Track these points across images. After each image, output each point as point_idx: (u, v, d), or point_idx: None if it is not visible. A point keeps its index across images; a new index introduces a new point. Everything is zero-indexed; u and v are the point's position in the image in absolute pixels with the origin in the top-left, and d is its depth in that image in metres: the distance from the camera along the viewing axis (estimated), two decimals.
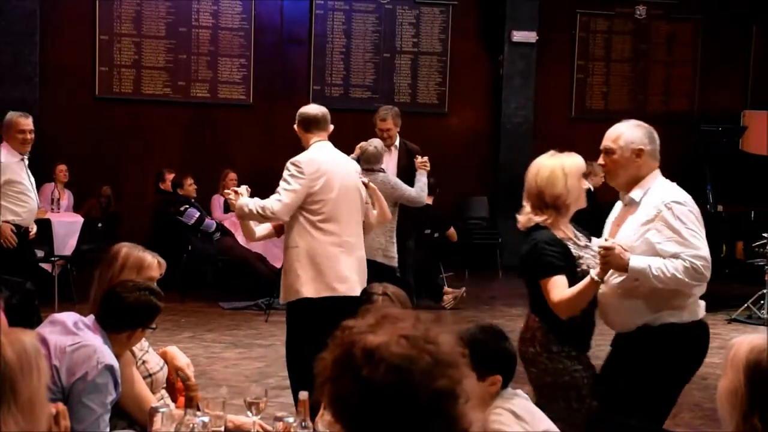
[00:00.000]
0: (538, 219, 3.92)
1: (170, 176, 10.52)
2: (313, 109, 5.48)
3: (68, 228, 9.43)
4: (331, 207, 5.20)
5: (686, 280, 3.64)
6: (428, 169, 7.46)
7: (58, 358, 3.18)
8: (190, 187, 10.19)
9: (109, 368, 3.20)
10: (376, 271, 5.72)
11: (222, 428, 3.07)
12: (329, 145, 5.39)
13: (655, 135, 3.93)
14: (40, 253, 8.49)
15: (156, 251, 3.79)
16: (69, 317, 3.35)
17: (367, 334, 1.78)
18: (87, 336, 3.27)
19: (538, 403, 3.44)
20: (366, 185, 5.44)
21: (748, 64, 13.64)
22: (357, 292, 5.03)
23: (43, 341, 3.14)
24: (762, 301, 9.20)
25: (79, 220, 9.73)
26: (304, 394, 3.15)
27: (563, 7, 13.08)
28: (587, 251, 3.90)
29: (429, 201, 9.74)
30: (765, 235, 8.97)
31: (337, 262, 5.20)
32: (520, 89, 12.78)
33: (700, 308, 3.87)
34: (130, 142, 11.84)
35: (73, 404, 3.10)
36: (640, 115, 14.03)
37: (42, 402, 2.21)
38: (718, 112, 12.82)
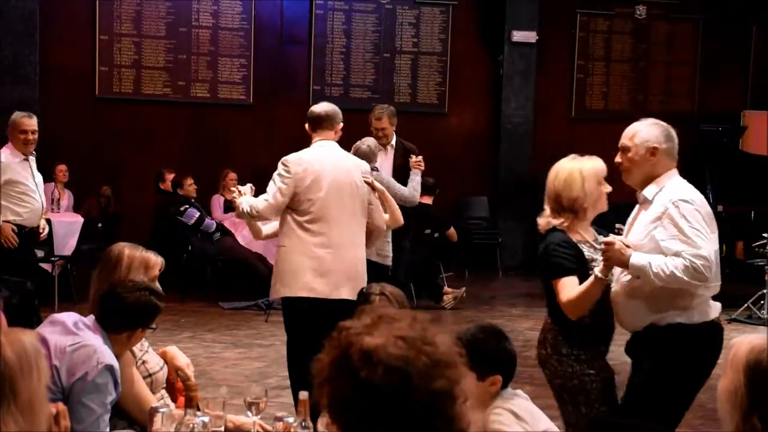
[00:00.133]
0: (556, 222, 3.93)
1: (170, 176, 10.52)
2: (319, 107, 5.42)
3: (68, 228, 9.43)
4: (318, 207, 5.13)
5: (685, 278, 3.63)
6: (422, 168, 7.44)
7: (58, 358, 3.18)
8: (190, 187, 10.19)
9: (109, 368, 3.20)
10: (368, 269, 5.69)
11: (222, 428, 3.06)
12: (330, 144, 5.30)
13: (673, 134, 3.91)
14: (39, 253, 8.48)
15: (156, 251, 3.80)
16: (69, 317, 3.35)
17: (364, 335, 1.78)
18: (87, 336, 3.27)
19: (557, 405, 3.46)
20: (373, 187, 5.32)
21: (748, 64, 13.64)
22: (346, 295, 5.03)
23: (43, 341, 3.14)
24: (762, 301, 9.20)
25: (79, 220, 9.74)
26: (304, 394, 3.15)
27: (563, 7, 13.08)
28: None
29: (429, 201, 9.76)
30: (765, 235, 8.96)
31: (321, 263, 5.12)
32: (520, 89, 12.78)
33: (713, 309, 3.83)
34: (130, 142, 11.84)
35: (73, 404, 3.10)
36: (640, 115, 14.00)
37: (42, 402, 2.21)
38: (718, 112, 12.82)
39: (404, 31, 12.68)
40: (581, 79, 13.35)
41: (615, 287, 3.85)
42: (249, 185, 5.35)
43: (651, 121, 3.96)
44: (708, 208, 3.80)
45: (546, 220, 3.98)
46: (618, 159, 3.97)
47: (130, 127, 11.85)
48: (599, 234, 3.99)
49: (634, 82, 13.47)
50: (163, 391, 3.70)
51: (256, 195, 5.31)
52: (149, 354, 3.70)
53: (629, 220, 4.04)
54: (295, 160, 5.23)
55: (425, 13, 12.73)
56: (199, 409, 3.28)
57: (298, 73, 12.40)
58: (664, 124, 3.95)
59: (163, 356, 3.80)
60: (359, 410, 1.75)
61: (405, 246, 8.13)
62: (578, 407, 3.88)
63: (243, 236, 10.29)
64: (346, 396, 1.76)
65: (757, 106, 13.24)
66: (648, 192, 3.86)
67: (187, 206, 10.01)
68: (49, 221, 8.91)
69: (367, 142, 7.03)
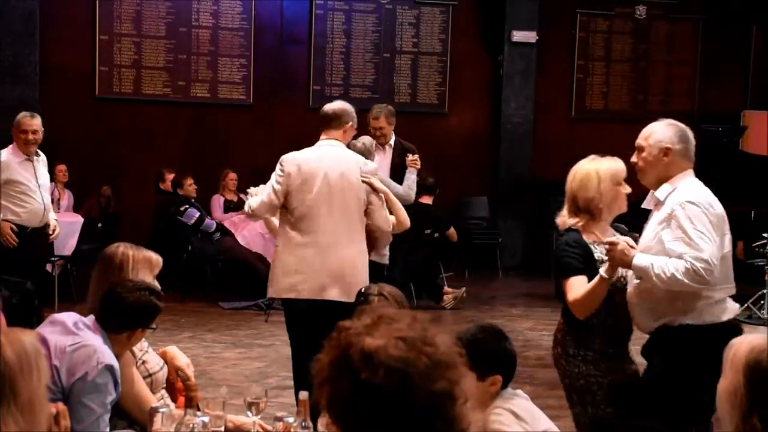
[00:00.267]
0: (571, 222, 3.96)
1: (170, 176, 10.52)
2: (329, 106, 5.37)
3: (68, 228, 9.41)
4: (308, 207, 5.09)
5: (685, 281, 3.62)
6: (418, 167, 7.42)
7: (58, 358, 3.18)
8: (190, 187, 10.19)
9: (109, 368, 3.20)
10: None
11: (222, 428, 3.07)
12: (333, 143, 5.24)
13: (689, 135, 3.90)
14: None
15: (156, 251, 3.80)
16: (69, 317, 3.35)
17: (365, 336, 1.77)
18: (87, 336, 3.27)
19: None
20: (373, 187, 5.19)
21: (748, 64, 13.63)
22: (334, 296, 5.01)
23: (43, 341, 3.14)
24: (762, 301, 9.20)
25: (79, 220, 9.73)
26: (304, 394, 3.15)
27: (563, 7, 13.07)
28: None
29: (429, 201, 9.76)
30: (765, 235, 8.96)
31: (305, 263, 5.07)
32: (520, 89, 12.78)
33: (726, 310, 3.79)
34: (130, 142, 11.84)
35: (73, 404, 3.10)
36: (640, 115, 14.03)
37: (42, 402, 2.21)
38: (718, 112, 12.81)
39: (404, 31, 12.68)
40: (581, 79, 13.35)
41: (629, 288, 3.86)
42: (262, 186, 5.33)
43: (667, 121, 3.95)
44: (719, 211, 3.77)
45: (563, 219, 4.01)
46: (633, 159, 3.98)
47: (130, 127, 11.85)
48: (622, 234, 4.00)
49: (634, 82, 13.47)
50: (163, 391, 3.70)
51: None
52: (149, 354, 3.70)
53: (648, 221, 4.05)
54: (290, 159, 5.22)
55: (425, 13, 12.73)
56: (199, 409, 3.28)
57: (298, 73, 12.40)
58: (681, 125, 3.93)
59: (163, 356, 3.80)
60: (359, 411, 1.75)
61: (403, 246, 8.11)
62: (585, 407, 3.90)
63: (243, 236, 10.30)
64: (346, 397, 1.76)
65: (757, 106, 13.23)
66: (660, 193, 3.85)
67: (187, 206, 10.01)
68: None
69: (363, 140, 7.00)
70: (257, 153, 11.81)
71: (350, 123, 5.29)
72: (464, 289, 9.98)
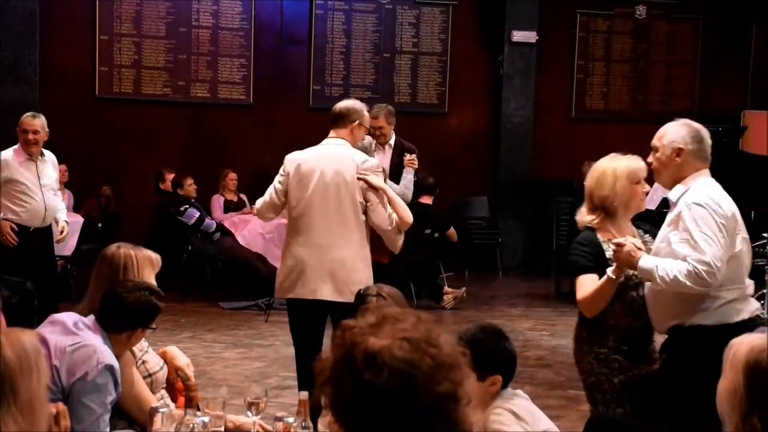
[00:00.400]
0: (587, 219, 3.98)
1: (170, 176, 10.52)
2: (339, 104, 5.32)
3: (68, 228, 9.41)
4: (303, 206, 5.07)
5: (687, 283, 3.61)
6: (415, 166, 7.40)
7: (58, 358, 3.18)
8: (190, 187, 10.19)
9: (109, 368, 3.20)
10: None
11: (222, 428, 3.07)
12: (336, 141, 5.19)
13: (703, 135, 3.88)
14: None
15: (156, 251, 3.80)
16: (69, 317, 3.35)
17: (368, 335, 1.77)
18: (87, 336, 3.27)
19: None
20: (370, 184, 5.10)
21: (748, 64, 13.63)
22: (327, 296, 4.98)
23: (43, 341, 3.14)
24: (762, 301, 9.19)
25: (79, 220, 9.72)
26: (304, 394, 3.15)
27: (563, 7, 13.08)
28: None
29: (429, 201, 9.76)
30: (765, 235, 8.96)
31: (300, 263, 5.06)
32: (520, 89, 12.78)
33: (739, 311, 3.75)
34: (130, 142, 11.84)
35: (73, 404, 3.10)
36: (640, 115, 14.00)
37: (42, 402, 2.21)
38: (718, 112, 12.81)
39: (404, 31, 12.69)
40: (581, 79, 13.35)
41: (645, 289, 3.87)
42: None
43: (682, 121, 3.93)
44: (728, 211, 3.73)
45: (581, 217, 4.04)
46: (649, 159, 3.98)
47: (130, 127, 11.86)
48: (645, 233, 4.01)
49: (634, 82, 13.47)
50: (163, 391, 3.71)
51: (256, 196, 5.31)
52: (149, 354, 3.70)
53: None
54: (291, 158, 5.21)
55: (425, 13, 12.73)
56: (199, 409, 3.28)
57: (298, 73, 12.40)
58: (696, 125, 3.91)
59: (163, 356, 3.80)
60: (362, 411, 1.75)
61: (402, 246, 8.07)
62: (596, 406, 3.93)
63: (243, 236, 10.30)
64: (348, 396, 1.76)
65: (757, 106, 13.23)
66: (673, 194, 3.85)
67: (187, 206, 10.01)
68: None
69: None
70: (257, 153, 11.82)
71: (357, 121, 5.22)
72: (464, 289, 9.98)
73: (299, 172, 5.10)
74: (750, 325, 3.76)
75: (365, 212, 5.09)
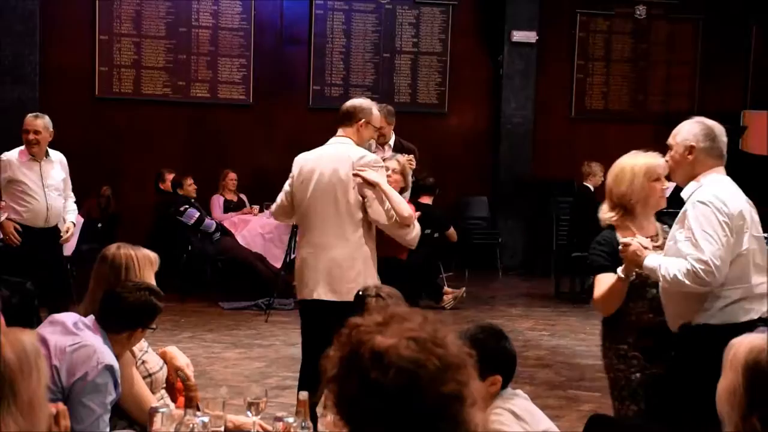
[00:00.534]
0: (607, 217, 4.03)
1: (170, 176, 10.52)
2: (346, 102, 5.29)
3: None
4: (305, 207, 5.07)
5: (686, 282, 3.61)
6: (413, 167, 7.40)
7: (58, 359, 3.18)
8: (190, 187, 10.19)
9: (109, 368, 3.20)
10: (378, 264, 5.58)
11: (222, 428, 3.07)
12: (341, 140, 5.15)
13: (716, 132, 3.86)
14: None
15: (156, 251, 3.80)
16: (69, 317, 3.35)
17: (375, 334, 1.77)
18: (87, 336, 3.27)
19: None
20: (370, 182, 5.01)
21: (748, 64, 13.63)
22: (323, 295, 4.96)
23: (43, 341, 3.14)
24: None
25: (79, 220, 9.68)
26: (303, 395, 3.16)
27: (563, 7, 13.08)
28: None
29: (429, 201, 9.75)
30: (765, 235, 8.97)
31: (305, 264, 5.07)
32: (520, 89, 12.78)
33: (747, 311, 3.72)
34: (129, 142, 11.84)
35: (73, 404, 3.10)
36: (640, 115, 13.98)
37: (42, 402, 2.21)
38: (717, 112, 12.76)
39: (404, 31, 12.69)
40: (581, 79, 13.35)
41: (660, 287, 3.89)
42: None
43: (696, 119, 3.93)
44: (734, 210, 3.70)
45: (602, 214, 4.09)
46: (666, 157, 3.99)
47: (129, 128, 11.85)
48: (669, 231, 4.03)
49: (634, 82, 13.47)
50: (163, 391, 3.71)
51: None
52: (149, 354, 3.70)
53: None
54: (297, 159, 5.22)
55: (425, 13, 12.73)
56: (198, 409, 3.28)
57: (297, 74, 12.40)
58: (710, 122, 3.90)
59: (163, 356, 3.80)
60: (367, 409, 1.75)
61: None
62: (614, 401, 3.98)
63: (243, 236, 10.30)
64: (354, 395, 1.76)
65: (757, 106, 13.23)
66: (685, 192, 3.86)
67: (187, 206, 10.01)
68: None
69: None
70: (257, 153, 11.83)
71: (363, 120, 5.17)
72: (464, 289, 9.98)
73: (302, 173, 5.11)
74: (759, 325, 3.72)
75: (365, 209, 5.07)
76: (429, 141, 11.01)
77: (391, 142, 7.66)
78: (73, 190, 11.02)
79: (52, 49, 11.40)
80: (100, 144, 11.67)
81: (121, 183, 11.58)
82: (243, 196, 11.16)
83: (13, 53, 11.06)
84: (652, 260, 3.72)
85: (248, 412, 3.25)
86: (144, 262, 3.67)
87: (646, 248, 3.74)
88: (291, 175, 5.18)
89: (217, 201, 11.00)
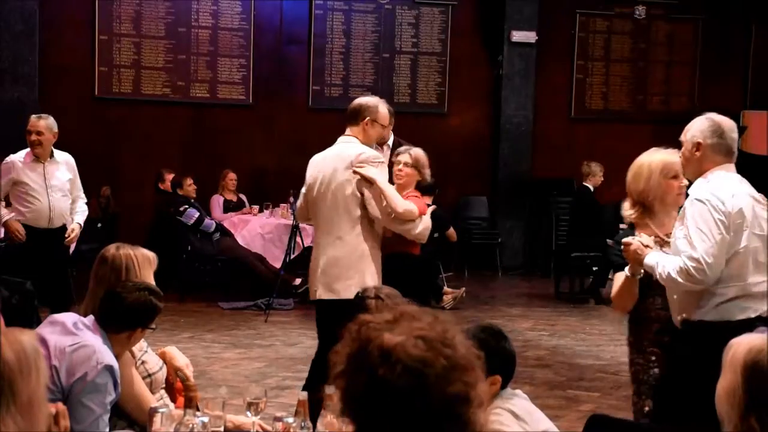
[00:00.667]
0: (627, 214, 4.07)
1: (169, 176, 10.51)
2: (354, 101, 5.29)
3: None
4: (312, 208, 5.12)
5: (679, 280, 3.63)
6: None
7: (58, 359, 3.18)
8: (189, 187, 10.18)
9: (109, 368, 3.20)
10: (390, 261, 5.54)
11: (221, 428, 3.06)
12: (347, 139, 5.15)
13: (725, 128, 3.84)
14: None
15: (155, 251, 3.81)
16: (69, 317, 3.35)
17: (384, 331, 1.78)
18: (86, 336, 3.27)
19: None
20: (366, 178, 5.00)
21: (748, 64, 13.64)
22: (322, 295, 5.01)
23: (43, 341, 3.14)
24: None
25: None
26: (303, 395, 3.16)
27: (563, 7, 13.07)
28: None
29: (428, 201, 9.74)
30: None
31: (311, 265, 5.13)
32: (519, 89, 12.78)
33: (744, 309, 3.70)
34: (129, 142, 11.83)
35: (73, 404, 3.10)
36: (640, 115, 13.97)
37: (41, 402, 2.21)
38: (717, 112, 12.79)
39: (404, 32, 12.68)
40: (581, 79, 13.35)
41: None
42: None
43: (706, 116, 3.92)
44: (732, 208, 3.68)
45: (623, 211, 4.12)
46: (678, 154, 4.00)
47: (129, 128, 11.85)
48: None
49: (634, 82, 13.47)
50: (163, 392, 3.71)
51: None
52: (148, 354, 3.70)
53: None
54: (310, 161, 5.26)
55: (425, 13, 12.73)
56: (198, 410, 3.28)
57: (297, 74, 12.40)
58: (719, 119, 3.88)
59: (162, 357, 3.80)
60: (373, 406, 1.75)
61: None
62: (633, 396, 4.02)
63: (242, 236, 10.30)
64: (361, 391, 1.76)
65: (757, 106, 13.23)
66: (691, 189, 3.86)
67: (187, 206, 10.01)
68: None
69: None
70: (257, 153, 11.83)
71: (368, 118, 5.15)
72: (464, 289, 9.98)
73: (311, 174, 5.18)
74: (757, 324, 3.69)
75: (365, 206, 5.06)
76: (429, 141, 10.93)
77: (390, 142, 7.64)
78: None
79: (52, 49, 11.39)
80: (99, 144, 11.66)
81: (121, 183, 11.58)
82: (243, 196, 11.16)
83: (12, 53, 11.06)
84: (651, 258, 3.75)
85: (248, 413, 3.25)
86: (143, 262, 3.67)
87: (647, 246, 3.76)
88: (306, 176, 5.24)
89: (217, 201, 11.00)
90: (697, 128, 3.85)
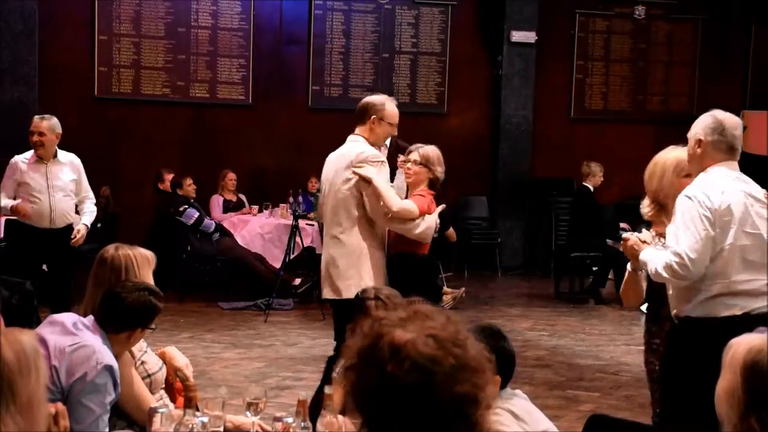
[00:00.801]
0: (644, 211, 4.10)
1: (169, 176, 10.51)
2: (362, 100, 5.32)
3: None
4: (321, 206, 5.23)
5: (664, 275, 3.67)
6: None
7: (58, 359, 3.18)
8: (189, 187, 10.18)
9: (109, 369, 3.20)
10: (396, 261, 5.56)
11: (221, 428, 3.06)
12: (352, 138, 5.18)
13: (726, 125, 3.84)
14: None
15: (155, 251, 3.82)
16: (68, 317, 3.35)
17: (396, 328, 1.79)
18: (86, 336, 3.27)
19: None
20: (364, 178, 5.02)
21: (748, 64, 13.63)
22: (326, 294, 5.12)
23: (43, 342, 3.14)
24: None
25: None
26: (303, 395, 3.16)
27: (562, 7, 13.07)
28: None
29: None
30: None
31: (321, 262, 5.25)
32: (519, 89, 12.78)
33: (726, 306, 3.70)
34: (129, 142, 11.83)
35: (73, 404, 3.10)
36: (640, 115, 13.97)
37: (41, 402, 2.21)
38: None
39: (403, 32, 12.68)
40: (580, 79, 13.34)
41: None
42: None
43: (711, 113, 3.93)
44: (720, 205, 3.69)
45: (642, 208, 4.14)
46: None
47: (129, 128, 11.84)
48: None
49: (634, 82, 13.47)
50: (162, 392, 3.71)
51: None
52: (148, 354, 3.70)
53: None
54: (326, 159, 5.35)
55: (424, 13, 12.73)
56: (198, 410, 3.28)
57: (297, 74, 12.39)
58: (721, 116, 3.88)
59: (162, 357, 3.81)
60: (381, 402, 1.76)
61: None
62: (650, 394, 4.04)
63: (242, 236, 10.30)
64: (370, 386, 1.77)
65: (757, 106, 13.22)
66: (687, 186, 3.87)
67: (187, 206, 10.01)
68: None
69: None
70: (256, 153, 11.82)
71: (374, 116, 5.15)
72: (463, 289, 9.98)
73: (323, 174, 5.28)
74: (738, 320, 3.66)
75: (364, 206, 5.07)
76: (428, 141, 10.86)
77: (388, 142, 7.65)
78: None
79: (52, 49, 11.39)
80: (99, 144, 11.64)
81: (121, 183, 11.57)
82: (242, 196, 11.16)
83: (12, 53, 11.05)
84: (644, 254, 3.80)
85: (247, 413, 3.25)
86: (142, 262, 3.67)
87: (644, 242, 3.78)
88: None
89: (217, 201, 11.00)
90: (700, 125, 3.87)
